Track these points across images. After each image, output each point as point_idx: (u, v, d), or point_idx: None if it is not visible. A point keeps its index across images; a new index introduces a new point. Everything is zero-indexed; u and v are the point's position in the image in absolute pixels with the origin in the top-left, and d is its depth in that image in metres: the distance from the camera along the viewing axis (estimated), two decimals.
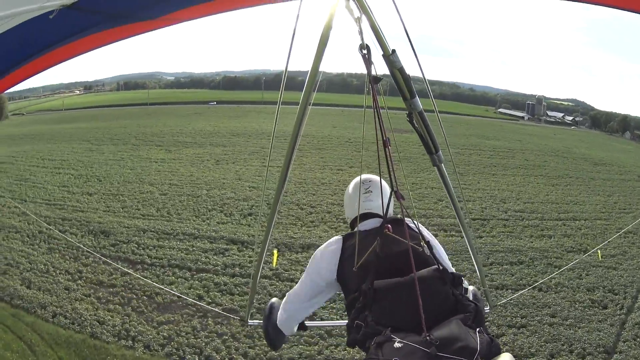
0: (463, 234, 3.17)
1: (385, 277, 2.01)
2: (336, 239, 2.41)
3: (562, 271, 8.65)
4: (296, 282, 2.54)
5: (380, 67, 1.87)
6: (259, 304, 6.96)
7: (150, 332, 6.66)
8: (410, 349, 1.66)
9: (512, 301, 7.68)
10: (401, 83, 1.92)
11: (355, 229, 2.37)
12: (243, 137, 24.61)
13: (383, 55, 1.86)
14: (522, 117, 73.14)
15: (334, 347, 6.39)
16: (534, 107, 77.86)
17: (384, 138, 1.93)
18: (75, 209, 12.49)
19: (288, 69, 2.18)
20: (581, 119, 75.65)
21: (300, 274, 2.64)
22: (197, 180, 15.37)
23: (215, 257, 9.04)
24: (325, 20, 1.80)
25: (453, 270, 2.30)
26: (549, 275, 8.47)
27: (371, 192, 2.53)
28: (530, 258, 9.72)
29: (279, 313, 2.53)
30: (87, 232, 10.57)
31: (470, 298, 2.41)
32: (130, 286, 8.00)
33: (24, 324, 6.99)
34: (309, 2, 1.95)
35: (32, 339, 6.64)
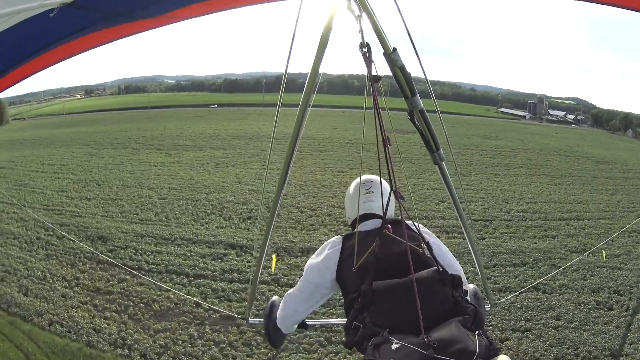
0: (464, 231, 3.16)
1: (385, 278, 2.03)
2: (336, 239, 2.45)
3: (561, 270, 8.53)
4: None
5: (381, 67, 1.89)
6: (258, 310, 6.88)
7: (147, 341, 6.54)
8: (408, 350, 1.67)
9: (514, 302, 7.57)
10: (402, 81, 1.94)
11: (356, 229, 2.39)
12: (243, 140, 24.53)
13: (384, 54, 1.88)
14: (524, 117, 72.96)
15: (333, 354, 6.25)
16: (535, 106, 77.67)
17: (384, 137, 1.92)
18: (73, 214, 12.42)
19: (288, 71, 2.23)
20: (583, 117, 75.44)
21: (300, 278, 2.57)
22: (197, 184, 15.26)
23: (213, 262, 8.92)
24: (325, 22, 1.82)
25: (461, 271, 2.40)
26: (549, 274, 8.32)
27: (372, 192, 2.54)
28: (534, 259, 9.58)
29: (278, 312, 2.55)
30: (84, 238, 10.48)
31: (471, 296, 2.61)
32: (127, 293, 7.90)
33: (21, 332, 6.88)
34: (309, 3, 1.98)
35: (29, 348, 6.52)
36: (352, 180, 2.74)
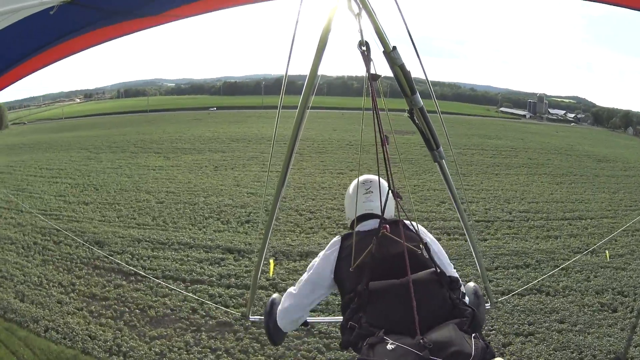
0: (464, 230, 3.12)
1: (382, 279, 2.03)
2: (336, 239, 2.46)
3: (559, 269, 8.42)
4: None
5: (380, 66, 1.90)
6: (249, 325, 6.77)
7: (142, 348, 6.42)
8: (403, 351, 1.66)
9: (517, 305, 7.45)
10: (402, 80, 1.95)
11: (354, 230, 2.38)
12: (242, 143, 24.44)
13: (384, 52, 1.88)
14: (524, 116, 72.94)
15: None
16: (535, 105, 77.71)
17: (382, 136, 1.93)
18: (70, 218, 12.33)
19: (288, 73, 2.24)
20: (583, 115, 75.45)
21: None
22: (195, 188, 15.16)
23: (210, 267, 8.79)
24: (324, 24, 1.83)
25: (455, 273, 2.37)
26: (547, 274, 8.20)
27: (372, 192, 2.54)
28: (537, 260, 9.44)
29: (278, 310, 2.55)
30: (81, 243, 10.36)
31: (471, 295, 2.64)
32: (124, 299, 7.80)
33: (17, 339, 6.79)
34: (309, 4, 1.98)
35: (25, 354, 6.44)
36: (351, 181, 2.74)
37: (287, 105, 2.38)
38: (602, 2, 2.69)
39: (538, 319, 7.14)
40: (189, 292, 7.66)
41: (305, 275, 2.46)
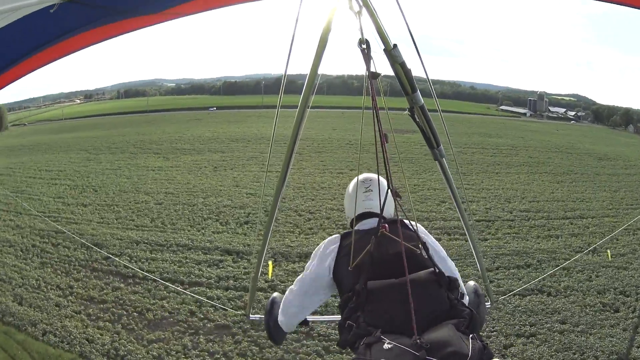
0: (464, 228, 3.10)
1: (380, 278, 2.02)
2: (334, 238, 2.45)
3: (558, 269, 8.39)
4: None
5: (380, 65, 1.89)
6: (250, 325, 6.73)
7: (140, 352, 6.37)
8: (400, 351, 1.66)
9: (518, 306, 7.39)
10: (402, 78, 1.94)
11: (353, 228, 2.38)
12: (242, 143, 24.37)
13: (385, 50, 1.86)
14: (524, 114, 72.73)
15: None
16: (535, 104, 77.54)
17: (382, 134, 1.91)
18: (69, 220, 12.30)
19: (288, 72, 2.23)
20: (583, 113, 75.30)
21: None
22: (194, 188, 15.10)
23: (209, 269, 8.73)
24: (324, 23, 1.83)
25: (457, 273, 2.38)
26: (547, 273, 8.14)
27: (371, 191, 2.52)
28: (538, 260, 9.37)
29: (279, 310, 2.54)
30: (79, 245, 10.32)
31: (471, 293, 2.64)
32: (121, 302, 7.76)
33: (15, 342, 6.77)
34: (309, 3, 1.97)
35: (23, 358, 6.43)
36: (351, 181, 2.72)
37: (287, 105, 2.38)
38: (602, 0, 2.65)
39: (540, 319, 7.08)
40: (184, 298, 7.61)
41: (303, 274, 2.45)
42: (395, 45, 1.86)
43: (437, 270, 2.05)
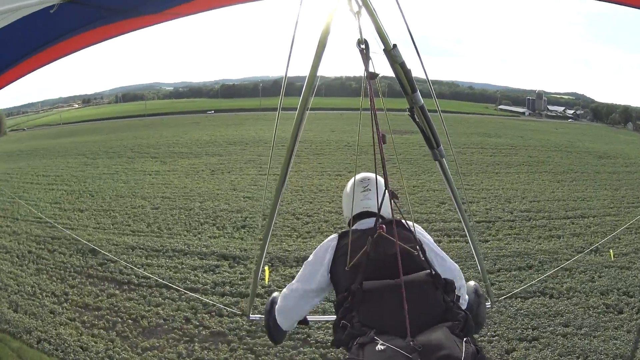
0: (465, 231, 3.07)
1: (377, 279, 2.03)
2: (332, 237, 2.45)
3: (561, 268, 8.23)
4: None
5: (378, 65, 1.90)
6: (250, 325, 6.59)
7: None
8: (392, 352, 1.67)
9: (520, 309, 7.25)
10: (402, 78, 1.95)
11: (351, 228, 2.41)
12: (240, 145, 24.27)
13: (384, 50, 1.87)
14: (523, 113, 72.73)
15: None
16: (534, 102, 77.57)
17: (379, 134, 1.91)
18: (65, 226, 12.18)
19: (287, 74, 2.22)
20: (582, 112, 75.33)
21: None
22: (191, 192, 14.99)
23: (204, 275, 8.59)
24: (323, 26, 1.83)
25: (457, 272, 2.40)
26: (547, 275, 7.99)
27: (370, 190, 2.53)
28: (540, 262, 9.23)
29: (276, 309, 2.54)
30: (75, 251, 10.21)
31: (472, 293, 2.66)
32: (116, 309, 7.62)
33: (10, 350, 6.64)
34: (308, 4, 1.97)
35: None
36: (349, 180, 2.72)
37: (285, 107, 2.38)
38: (602, 0, 2.66)
39: (542, 323, 6.94)
40: (179, 304, 7.49)
41: (301, 274, 2.45)
42: (395, 46, 1.87)
43: (433, 272, 2.05)
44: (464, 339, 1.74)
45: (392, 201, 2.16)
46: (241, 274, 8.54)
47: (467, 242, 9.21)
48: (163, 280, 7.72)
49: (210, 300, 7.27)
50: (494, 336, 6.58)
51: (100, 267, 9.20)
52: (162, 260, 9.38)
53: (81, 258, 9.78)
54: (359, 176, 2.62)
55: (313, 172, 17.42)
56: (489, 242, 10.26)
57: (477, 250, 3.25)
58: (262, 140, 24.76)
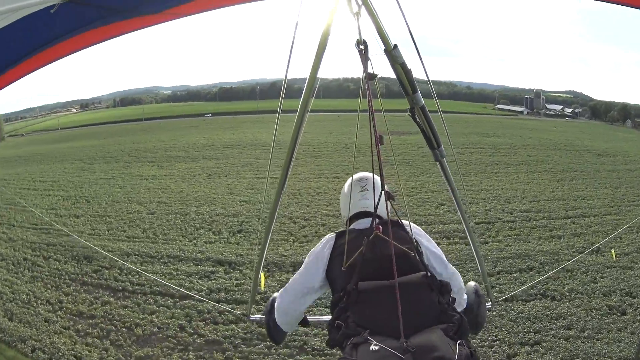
0: (465, 231, 3.11)
1: (373, 279, 2.04)
2: (329, 237, 2.49)
3: (561, 269, 8.19)
4: None
5: (377, 66, 1.90)
6: (245, 333, 6.46)
7: None
8: (386, 353, 1.68)
9: (521, 312, 7.14)
10: (403, 78, 1.95)
11: (348, 228, 2.43)
12: (237, 149, 24.11)
13: (385, 50, 1.88)
14: (521, 112, 72.57)
15: None
16: (532, 101, 77.41)
17: (376, 134, 1.90)
18: (60, 232, 12.02)
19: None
20: (580, 110, 75.20)
21: None
22: (187, 197, 14.85)
23: (200, 281, 8.48)
24: (323, 28, 1.83)
25: (452, 273, 2.41)
26: (547, 276, 7.87)
27: (367, 190, 2.52)
28: (541, 263, 9.11)
29: (275, 310, 2.56)
30: (70, 258, 10.13)
31: (472, 294, 2.69)
32: (110, 317, 7.54)
33: (5, 359, 6.65)
34: (307, 6, 1.97)
35: None
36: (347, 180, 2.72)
37: (284, 109, 2.38)
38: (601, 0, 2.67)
39: (544, 326, 6.81)
40: (174, 312, 7.37)
41: (297, 273, 2.48)
42: (395, 46, 1.87)
43: (428, 274, 2.05)
44: (458, 342, 1.74)
45: (387, 202, 2.17)
46: (236, 280, 8.43)
47: (467, 244, 9.11)
48: (177, 286, 7.61)
49: (210, 300, 7.18)
50: (495, 340, 6.45)
51: (94, 274, 9.11)
52: (157, 267, 9.27)
53: (76, 265, 9.70)
54: (356, 176, 2.63)
55: (310, 175, 17.28)
56: (489, 244, 10.13)
57: (478, 252, 3.23)
58: (260, 143, 24.60)
